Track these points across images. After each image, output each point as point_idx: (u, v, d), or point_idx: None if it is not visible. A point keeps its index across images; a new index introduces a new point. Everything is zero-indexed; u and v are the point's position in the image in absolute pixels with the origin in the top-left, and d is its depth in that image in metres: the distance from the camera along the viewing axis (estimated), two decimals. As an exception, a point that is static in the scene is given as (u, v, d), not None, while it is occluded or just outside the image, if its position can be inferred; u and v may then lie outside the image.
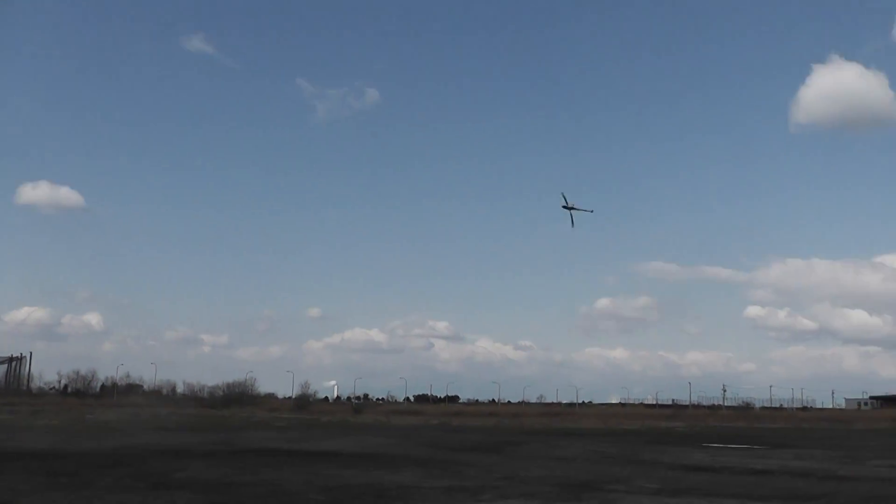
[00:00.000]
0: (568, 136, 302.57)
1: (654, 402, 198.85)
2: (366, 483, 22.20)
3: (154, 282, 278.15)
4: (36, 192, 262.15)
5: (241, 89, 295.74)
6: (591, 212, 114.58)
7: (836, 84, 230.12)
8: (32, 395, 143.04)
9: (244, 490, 20.66)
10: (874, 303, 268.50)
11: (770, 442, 48.97)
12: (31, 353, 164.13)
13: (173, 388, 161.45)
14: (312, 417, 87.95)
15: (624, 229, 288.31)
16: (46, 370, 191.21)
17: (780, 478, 25.88)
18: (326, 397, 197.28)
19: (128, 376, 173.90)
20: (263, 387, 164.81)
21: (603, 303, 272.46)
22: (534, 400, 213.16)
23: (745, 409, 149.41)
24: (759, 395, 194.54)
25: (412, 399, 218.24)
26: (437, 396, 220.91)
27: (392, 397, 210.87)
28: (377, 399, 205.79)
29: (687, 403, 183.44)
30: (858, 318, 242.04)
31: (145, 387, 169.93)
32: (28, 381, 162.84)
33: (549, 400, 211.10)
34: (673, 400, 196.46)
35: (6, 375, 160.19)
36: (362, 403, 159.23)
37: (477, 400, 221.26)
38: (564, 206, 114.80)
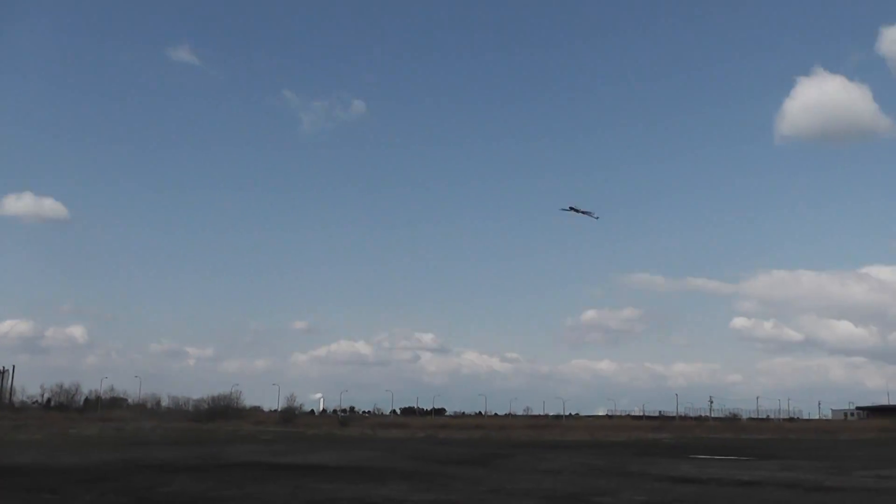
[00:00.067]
0: (554, 150, 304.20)
1: (641, 414, 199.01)
2: (352, 497, 22.04)
3: (139, 294, 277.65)
4: (19, 204, 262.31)
5: (227, 100, 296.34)
6: (598, 218, 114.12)
7: (820, 96, 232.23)
8: (15, 409, 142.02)
9: (229, 504, 20.47)
10: (860, 314, 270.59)
11: (757, 453, 48.95)
12: (13, 367, 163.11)
13: (158, 402, 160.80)
14: (298, 430, 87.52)
15: (610, 241, 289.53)
16: (29, 384, 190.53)
17: (767, 489, 25.82)
18: (312, 410, 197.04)
19: (112, 390, 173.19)
20: (249, 400, 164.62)
21: (589, 315, 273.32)
22: (520, 412, 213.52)
23: (732, 421, 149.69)
24: (745, 406, 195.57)
25: (398, 412, 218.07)
26: (423, 409, 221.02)
27: (378, 410, 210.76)
28: (363, 412, 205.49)
29: (674, 415, 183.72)
30: (844, 329, 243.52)
31: (130, 400, 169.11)
32: (10, 394, 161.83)
33: (535, 412, 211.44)
34: (660, 411, 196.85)
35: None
36: (348, 416, 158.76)
37: (463, 412, 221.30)
38: (573, 208, 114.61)
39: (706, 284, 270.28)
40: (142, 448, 47.00)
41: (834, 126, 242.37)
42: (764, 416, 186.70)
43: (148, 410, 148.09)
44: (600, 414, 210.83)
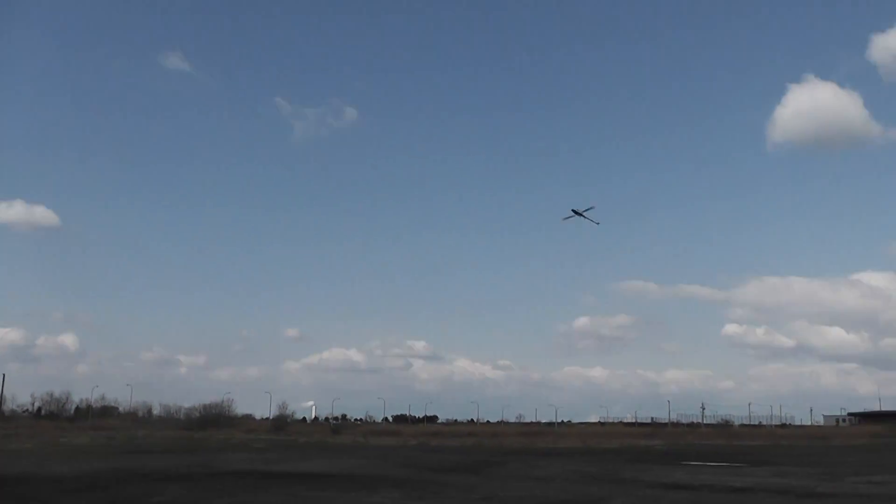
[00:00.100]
0: (547, 158, 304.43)
1: (633, 421, 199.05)
2: (344, 505, 21.96)
3: (130, 302, 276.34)
4: (10, 212, 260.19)
5: (219, 107, 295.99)
6: (598, 224, 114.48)
7: (811, 104, 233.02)
8: (5, 418, 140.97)
9: (220, 513, 20.38)
10: (851, 320, 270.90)
11: (749, 459, 48.97)
12: (3, 375, 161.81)
13: (149, 410, 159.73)
14: (290, 438, 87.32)
15: (602, 248, 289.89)
16: (20, 392, 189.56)
17: (759, 495, 25.83)
18: (304, 418, 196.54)
19: (103, 398, 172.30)
20: (241, 408, 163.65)
21: (581, 322, 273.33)
22: (513, 419, 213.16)
23: (724, 427, 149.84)
24: (737, 412, 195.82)
25: (390, 419, 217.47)
26: (415, 416, 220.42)
27: (370, 418, 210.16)
28: (355, 419, 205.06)
29: (666, 421, 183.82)
30: (836, 335, 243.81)
31: (121, 409, 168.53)
32: (0, 403, 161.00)
33: (528, 419, 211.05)
34: (652, 418, 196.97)
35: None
36: (340, 424, 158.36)
37: (456, 420, 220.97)
38: (574, 212, 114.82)
39: (698, 291, 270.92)
40: (133, 457, 46.81)
41: (825, 133, 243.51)
42: (756, 423, 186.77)
43: (139, 419, 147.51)
44: (593, 421, 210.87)
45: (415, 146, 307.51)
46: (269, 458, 45.92)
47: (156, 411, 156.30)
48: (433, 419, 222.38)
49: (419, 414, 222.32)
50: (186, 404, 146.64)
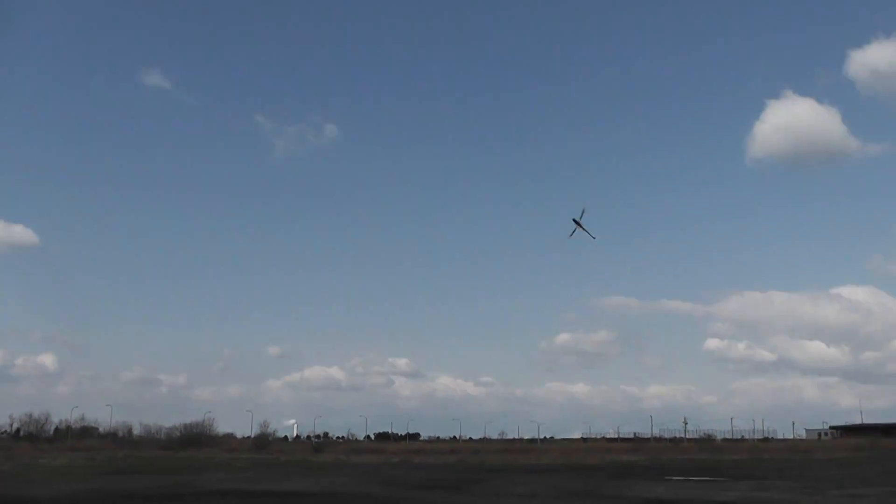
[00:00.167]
0: (526, 177, 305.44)
1: (616, 437, 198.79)
2: (325, 524, 21.79)
3: (110, 321, 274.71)
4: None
5: (199, 124, 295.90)
6: (595, 238, 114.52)
7: (790, 119, 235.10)
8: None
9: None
10: (832, 334, 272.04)
11: (732, 473, 48.97)
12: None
13: (129, 431, 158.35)
14: (272, 457, 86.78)
15: (583, 264, 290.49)
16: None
17: (742, 510, 25.79)
18: (286, 436, 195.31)
19: (83, 419, 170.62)
20: (222, 427, 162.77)
21: (563, 338, 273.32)
22: (495, 436, 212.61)
23: (707, 441, 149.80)
24: (720, 426, 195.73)
25: (373, 437, 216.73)
26: (397, 434, 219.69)
27: (352, 435, 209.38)
28: (337, 437, 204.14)
29: (648, 437, 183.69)
30: (816, 349, 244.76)
31: (101, 429, 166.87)
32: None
33: (510, 436, 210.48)
34: (634, 433, 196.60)
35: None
36: (322, 442, 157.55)
37: (438, 437, 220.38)
38: (576, 221, 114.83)
39: (679, 306, 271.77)
40: (113, 478, 46.38)
41: (804, 148, 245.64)
42: (738, 437, 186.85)
43: (119, 439, 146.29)
44: (575, 437, 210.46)
45: (395, 163, 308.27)
46: (251, 478, 45.60)
47: (136, 431, 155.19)
48: (415, 436, 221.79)
49: (401, 431, 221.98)
50: (167, 424, 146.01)
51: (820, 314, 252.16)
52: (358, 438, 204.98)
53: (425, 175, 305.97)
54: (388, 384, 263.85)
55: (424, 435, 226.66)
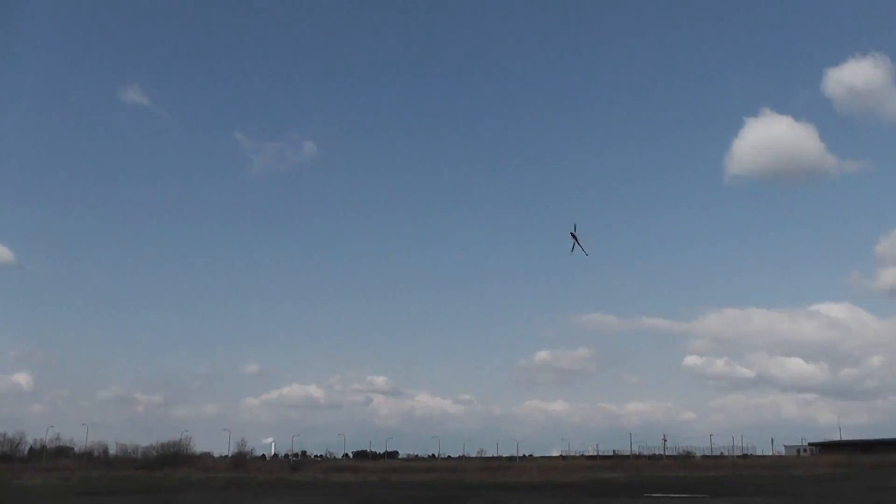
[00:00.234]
0: (506, 193, 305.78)
1: (595, 454, 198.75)
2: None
3: (86, 340, 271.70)
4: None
5: (177, 142, 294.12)
6: (587, 255, 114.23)
7: (768, 136, 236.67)
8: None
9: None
10: (810, 351, 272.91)
11: (711, 490, 48.86)
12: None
13: (105, 450, 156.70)
14: (249, 476, 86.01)
15: (562, 282, 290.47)
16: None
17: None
18: (263, 455, 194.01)
19: (58, 438, 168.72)
20: (199, 446, 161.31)
21: (542, 355, 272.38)
22: (474, 454, 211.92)
23: (686, 458, 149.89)
24: (699, 443, 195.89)
25: (351, 455, 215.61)
26: (376, 452, 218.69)
27: (330, 454, 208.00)
28: (315, 456, 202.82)
29: (628, 454, 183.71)
30: (795, 365, 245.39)
31: (76, 449, 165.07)
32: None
33: (489, 454, 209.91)
34: (614, 451, 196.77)
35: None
36: (300, 461, 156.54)
37: (417, 455, 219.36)
38: (573, 235, 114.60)
39: (658, 323, 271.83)
40: (88, 499, 45.74)
41: (782, 165, 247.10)
42: (718, 454, 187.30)
43: (95, 459, 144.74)
44: (554, 455, 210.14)
45: (374, 181, 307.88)
46: (228, 497, 45.09)
47: (112, 451, 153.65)
48: (394, 455, 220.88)
49: (379, 450, 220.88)
50: (144, 443, 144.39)
51: (798, 331, 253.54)
52: (336, 457, 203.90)
53: (404, 193, 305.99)
54: (366, 402, 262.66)
55: (403, 453, 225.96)
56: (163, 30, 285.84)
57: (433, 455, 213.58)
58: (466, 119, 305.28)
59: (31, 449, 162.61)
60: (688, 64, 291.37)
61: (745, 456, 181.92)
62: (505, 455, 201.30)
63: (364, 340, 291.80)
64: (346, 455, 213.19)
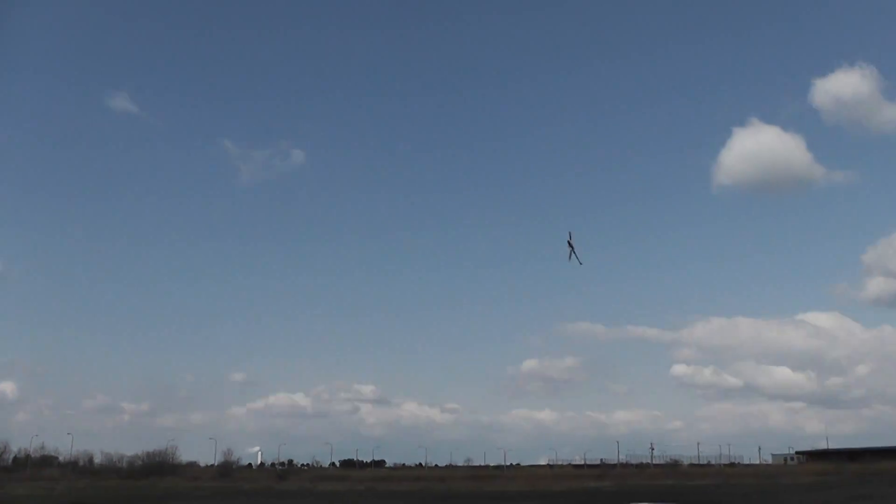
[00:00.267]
0: (492, 202, 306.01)
1: (583, 463, 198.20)
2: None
3: (72, 348, 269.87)
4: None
5: (166, 149, 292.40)
6: (581, 264, 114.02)
7: (755, 147, 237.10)
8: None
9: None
10: (798, 360, 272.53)
11: (699, 499, 48.86)
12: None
13: (91, 459, 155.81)
14: (236, 485, 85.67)
15: (549, 291, 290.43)
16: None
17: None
18: (250, 464, 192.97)
19: (42, 448, 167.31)
20: (185, 455, 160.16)
21: (529, 364, 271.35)
22: (461, 463, 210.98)
23: (674, 467, 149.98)
24: (686, 452, 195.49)
25: (338, 464, 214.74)
26: (363, 461, 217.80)
27: (317, 463, 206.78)
28: (302, 465, 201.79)
29: (615, 463, 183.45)
30: (782, 374, 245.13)
31: (61, 458, 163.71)
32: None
33: (476, 463, 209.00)
34: (601, 460, 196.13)
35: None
36: (286, 470, 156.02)
37: (404, 464, 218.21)
38: (570, 244, 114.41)
39: (646, 332, 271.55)
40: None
41: (769, 175, 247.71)
42: (705, 462, 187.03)
43: (80, 468, 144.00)
44: (542, 464, 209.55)
45: (362, 189, 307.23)
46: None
47: (97, 460, 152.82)
48: (381, 464, 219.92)
49: (367, 459, 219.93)
50: (129, 452, 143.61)
51: (786, 340, 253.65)
52: (323, 466, 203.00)
53: (391, 202, 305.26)
54: (353, 411, 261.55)
55: (390, 462, 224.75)
56: (151, 37, 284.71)
57: (420, 464, 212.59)
58: (455, 128, 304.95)
59: (15, 458, 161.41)
60: (676, 74, 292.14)
61: (732, 464, 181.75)
62: (492, 464, 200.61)
63: (351, 349, 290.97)
64: (333, 464, 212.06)
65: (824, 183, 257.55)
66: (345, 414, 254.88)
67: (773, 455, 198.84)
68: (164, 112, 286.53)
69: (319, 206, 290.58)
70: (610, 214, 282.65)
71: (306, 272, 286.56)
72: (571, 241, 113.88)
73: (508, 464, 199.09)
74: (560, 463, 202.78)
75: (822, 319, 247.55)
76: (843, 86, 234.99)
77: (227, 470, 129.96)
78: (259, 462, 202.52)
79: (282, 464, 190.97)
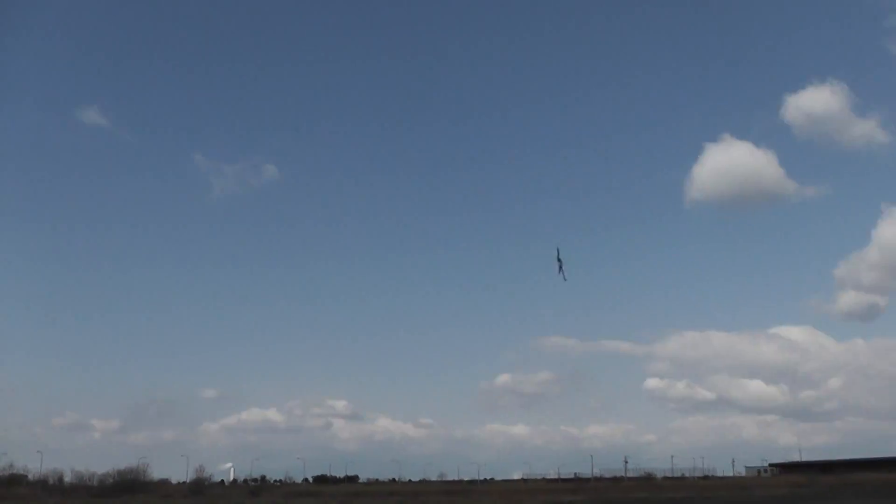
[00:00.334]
0: (464, 219, 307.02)
1: (557, 477, 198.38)
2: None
3: (41, 366, 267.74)
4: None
5: (137, 164, 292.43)
6: (565, 280, 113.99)
7: (727, 162, 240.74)
8: None
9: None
10: (770, 373, 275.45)
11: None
12: None
13: (60, 478, 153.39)
14: (208, 502, 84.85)
15: (523, 306, 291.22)
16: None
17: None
18: (222, 481, 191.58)
19: (11, 466, 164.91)
20: (157, 473, 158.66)
21: (503, 378, 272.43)
22: (435, 478, 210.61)
23: (647, 480, 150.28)
24: (660, 465, 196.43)
25: (311, 480, 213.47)
26: (336, 477, 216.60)
27: (290, 479, 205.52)
28: (275, 481, 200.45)
29: (589, 476, 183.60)
30: (755, 388, 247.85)
31: (30, 477, 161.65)
32: None
33: (450, 477, 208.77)
34: (575, 473, 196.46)
35: None
36: (259, 486, 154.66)
37: (377, 479, 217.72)
38: (558, 259, 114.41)
39: (619, 346, 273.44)
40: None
41: (742, 190, 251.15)
42: (679, 475, 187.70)
43: (50, 487, 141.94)
44: (516, 478, 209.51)
45: (334, 204, 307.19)
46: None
47: (67, 479, 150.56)
48: (354, 479, 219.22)
49: (340, 474, 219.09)
50: (100, 470, 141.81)
51: (758, 354, 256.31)
52: (296, 482, 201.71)
53: (363, 218, 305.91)
54: (326, 426, 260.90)
55: (363, 477, 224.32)
56: (122, 51, 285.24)
57: (394, 479, 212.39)
58: (426, 142, 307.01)
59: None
60: (648, 90, 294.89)
61: (706, 477, 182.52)
62: (466, 479, 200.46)
63: (324, 364, 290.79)
64: (307, 479, 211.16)
65: (796, 198, 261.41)
66: (318, 429, 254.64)
67: (746, 467, 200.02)
68: (135, 126, 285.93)
69: (292, 222, 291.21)
70: (583, 229, 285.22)
71: (277, 287, 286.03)
72: (560, 257, 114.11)
73: (482, 478, 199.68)
74: (534, 477, 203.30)
75: (794, 333, 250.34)
76: (815, 102, 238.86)
77: (200, 487, 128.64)
78: (232, 478, 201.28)
79: (254, 480, 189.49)
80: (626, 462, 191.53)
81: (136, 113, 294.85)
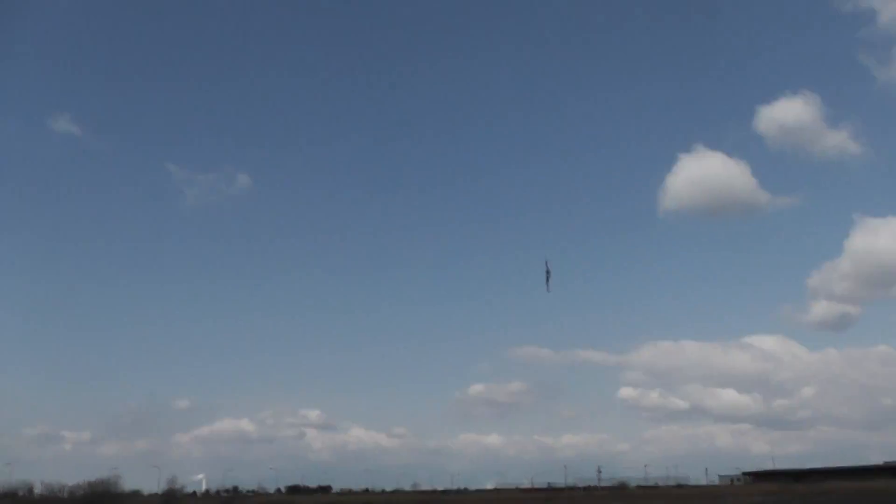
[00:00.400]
0: (438, 230, 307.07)
1: (531, 486, 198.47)
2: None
3: (9, 376, 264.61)
4: None
5: (109, 172, 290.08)
6: (548, 291, 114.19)
7: (701, 172, 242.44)
8: None
9: None
10: (743, 382, 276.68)
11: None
12: None
13: (31, 490, 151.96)
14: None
15: (496, 316, 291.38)
16: None
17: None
18: (195, 492, 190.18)
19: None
20: (129, 484, 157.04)
21: (477, 388, 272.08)
22: (408, 488, 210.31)
23: (621, 489, 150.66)
24: (634, 474, 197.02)
25: (284, 490, 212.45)
26: (309, 487, 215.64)
27: (263, 489, 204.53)
28: (247, 491, 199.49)
29: (563, 486, 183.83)
30: (729, 397, 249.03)
31: (0, 489, 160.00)
32: None
33: (424, 487, 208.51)
34: (549, 483, 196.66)
35: None
36: (232, 497, 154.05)
37: (350, 489, 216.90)
38: (546, 270, 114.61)
39: (592, 356, 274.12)
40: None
41: (715, 200, 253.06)
42: (652, 484, 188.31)
43: (20, 499, 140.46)
44: (489, 488, 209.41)
45: (307, 214, 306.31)
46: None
47: (38, 490, 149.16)
48: (327, 489, 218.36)
49: (313, 484, 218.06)
50: (71, 482, 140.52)
51: (732, 363, 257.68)
52: (269, 492, 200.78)
53: (337, 227, 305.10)
54: (299, 436, 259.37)
55: (337, 487, 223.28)
56: (95, 59, 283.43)
57: (367, 489, 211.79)
58: (400, 153, 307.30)
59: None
60: (622, 101, 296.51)
61: (679, 486, 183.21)
62: (440, 488, 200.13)
63: (296, 374, 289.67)
64: (279, 490, 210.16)
65: (769, 208, 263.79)
66: (291, 439, 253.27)
67: (719, 476, 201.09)
68: (107, 134, 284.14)
69: (265, 231, 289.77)
70: (557, 239, 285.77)
71: (250, 297, 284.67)
72: (548, 269, 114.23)
73: (456, 488, 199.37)
74: (508, 487, 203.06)
75: (767, 342, 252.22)
76: (787, 113, 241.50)
77: (172, 498, 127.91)
78: (204, 489, 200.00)
79: (227, 491, 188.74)
80: (600, 471, 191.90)
81: (108, 121, 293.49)
